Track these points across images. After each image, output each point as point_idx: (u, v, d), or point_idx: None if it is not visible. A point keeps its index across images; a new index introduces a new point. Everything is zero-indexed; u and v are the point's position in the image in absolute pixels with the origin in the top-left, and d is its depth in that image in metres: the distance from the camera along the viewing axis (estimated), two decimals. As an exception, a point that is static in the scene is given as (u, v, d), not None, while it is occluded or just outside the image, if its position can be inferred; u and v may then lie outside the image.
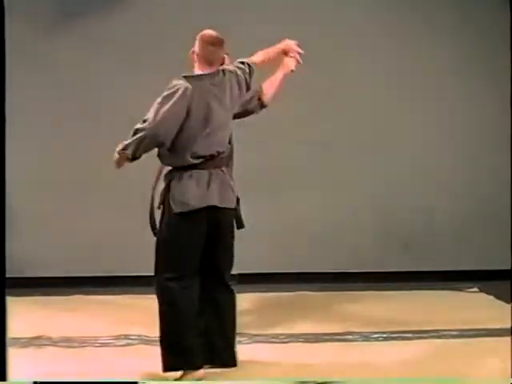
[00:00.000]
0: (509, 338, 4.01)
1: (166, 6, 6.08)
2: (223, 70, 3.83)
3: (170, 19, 6.07)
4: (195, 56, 3.85)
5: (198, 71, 3.83)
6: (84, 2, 6.04)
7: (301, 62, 4.03)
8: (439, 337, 4.51)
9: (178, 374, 3.66)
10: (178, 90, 3.71)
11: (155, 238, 3.78)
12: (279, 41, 4.09)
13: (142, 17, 6.08)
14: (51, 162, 6.04)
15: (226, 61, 3.91)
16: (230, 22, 6.02)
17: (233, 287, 3.81)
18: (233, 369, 3.80)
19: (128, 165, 6.00)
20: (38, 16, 5.98)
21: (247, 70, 3.93)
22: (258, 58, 4.03)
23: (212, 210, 3.67)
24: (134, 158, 3.85)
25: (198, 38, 3.89)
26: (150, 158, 6.14)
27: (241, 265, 6.17)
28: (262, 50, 4.10)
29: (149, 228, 6.22)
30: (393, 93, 6.27)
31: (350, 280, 5.67)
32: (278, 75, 4.05)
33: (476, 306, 5.29)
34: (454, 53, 6.28)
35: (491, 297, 5.57)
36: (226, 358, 3.77)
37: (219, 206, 3.68)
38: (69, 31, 6.01)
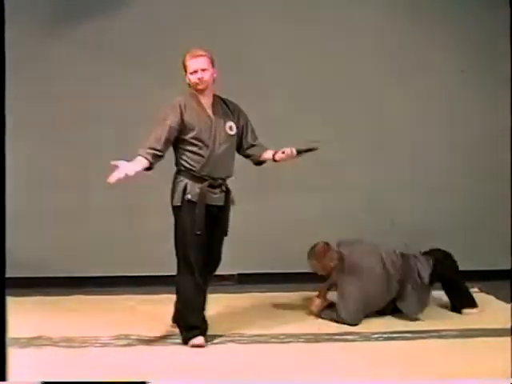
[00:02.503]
0: (509, 338, 4.00)
1: (165, 7, 6.08)
2: None
3: (170, 21, 6.07)
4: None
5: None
6: (84, 3, 6.04)
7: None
8: (439, 337, 4.51)
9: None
10: None
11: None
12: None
13: (142, 19, 6.08)
14: (51, 162, 6.04)
15: None
16: (230, 22, 6.04)
17: None
18: (233, 369, 3.83)
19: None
20: (38, 17, 5.98)
21: None
22: None
23: None
24: None
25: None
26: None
27: (241, 265, 6.21)
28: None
29: (148, 228, 6.24)
30: (393, 93, 6.27)
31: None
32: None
33: (476, 306, 5.28)
34: (453, 53, 6.28)
35: (491, 297, 5.57)
36: None
37: None
38: (69, 33, 6.01)
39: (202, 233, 4.22)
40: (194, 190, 4.27)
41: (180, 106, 4.30)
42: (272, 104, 6.03)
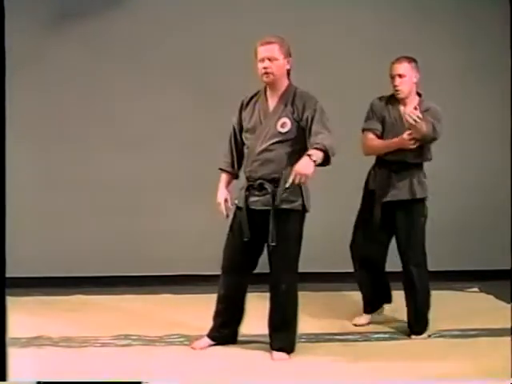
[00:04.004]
0: (509, 338, 4.01)
1: (165, 6, 6.08)
2: None
3: (170, 20, 6.07)
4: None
5: None
6: (84, 2, 6.04)
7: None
8: (439, 337, 4.51)
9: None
10: None
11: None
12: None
13: (142, 17, 6.08)
14: (51, 162, 6.04)
15: None
16: (231, 23, 6.04)
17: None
18: (233, 369, 3.84)
19: (128, 167, 6.04)
20: (38, 17, 5.98)
21: None
22: None
23: None
24: None
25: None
26: (148, 160, 6.18)
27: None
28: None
29: (148, 228, 6.21)
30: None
31: (349, 280, 5.65)
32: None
33: (476, 306, 5.29)
34: (453, 52, 6.28)
35: (491, 297, 5.58)
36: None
37: None
38: (69, 32, 6.01)
39: (247, 239, 4.07)
40: (240, 194, 4.13)
41: (242, 103, 4.15)
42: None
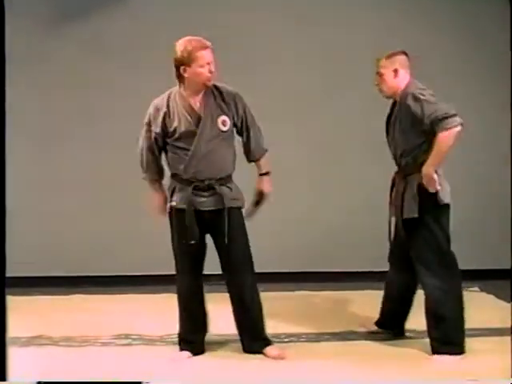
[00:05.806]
0: (509, 338, 4.01)
1: (165, 5, 6.08)
2: None
3: (169, 19, 6.07)
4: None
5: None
6: (84, 2, 6.04)
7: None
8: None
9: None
10: None
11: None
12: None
13: (142, 17, 6.08)
14: (51, 162, 6.04)
15: None
16: (229, 21, 6.04)
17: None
18: (233, 369, 3.83)
19: (128, 166, 6.03)
20: (38, 16, 5.98)
21: None
22: None
23: None
24: None
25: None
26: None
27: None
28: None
29: (148, 227, 6.21)
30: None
31: (349, 280, 5.67)
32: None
33: (476, 306, 5.28)
34: (453, 53, 6.28)
35: (491, 296, 5.57)
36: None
37: None
38: (69, 31, 6.01)
39: (195, 241, 3.98)
40: (179, 195, 4.02)
41: (158, 109, 4.02)
42: (270, 103, 6.03)
